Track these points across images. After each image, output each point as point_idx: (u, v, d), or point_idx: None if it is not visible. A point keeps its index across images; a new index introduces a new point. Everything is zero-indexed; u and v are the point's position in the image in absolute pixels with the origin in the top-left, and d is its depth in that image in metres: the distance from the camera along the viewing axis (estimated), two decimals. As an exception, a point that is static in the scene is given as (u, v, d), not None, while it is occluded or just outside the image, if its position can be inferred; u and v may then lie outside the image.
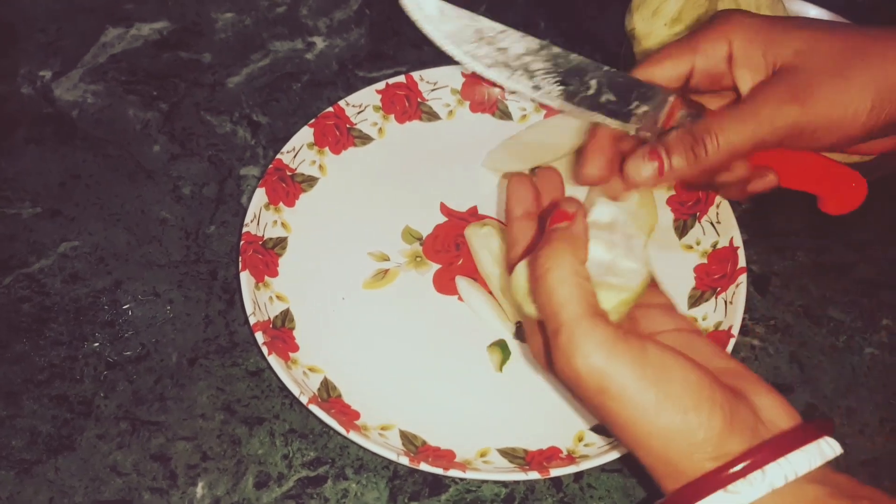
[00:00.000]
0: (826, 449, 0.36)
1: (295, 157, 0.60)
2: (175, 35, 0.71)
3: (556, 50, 0.45)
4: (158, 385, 0.52)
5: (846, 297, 0.57)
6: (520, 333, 0.54)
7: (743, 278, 0.53)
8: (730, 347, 0.51)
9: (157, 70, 0.69)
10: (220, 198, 0.61)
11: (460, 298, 0.56)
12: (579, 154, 0.47)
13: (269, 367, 0.51)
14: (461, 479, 0.49)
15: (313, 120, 0.61)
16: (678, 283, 0.55)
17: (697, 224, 0.58)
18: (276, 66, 0.69)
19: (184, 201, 0.61)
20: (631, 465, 0.50)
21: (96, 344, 0.54)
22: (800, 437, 0.36)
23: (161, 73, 0.68)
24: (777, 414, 0.37)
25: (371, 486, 0.49)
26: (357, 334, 0.54)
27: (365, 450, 0.49)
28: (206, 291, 0.56)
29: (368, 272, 0.56)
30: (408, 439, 0.49)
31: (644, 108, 0.45)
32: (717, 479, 0.35)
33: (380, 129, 0.63)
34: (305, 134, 0.60)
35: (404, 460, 0.47)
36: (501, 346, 0.54)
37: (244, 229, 0.55)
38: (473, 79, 0.64)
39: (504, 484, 0.49)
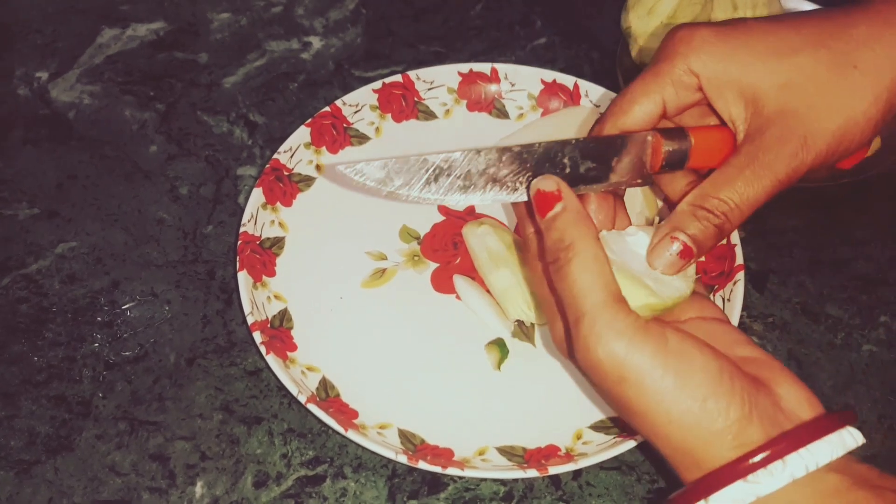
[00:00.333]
0: (848, 439, 0.36)
1: (292, 156, 0.60)
2: (171, 35, 0.71)
3: (516, 148, 0.42)
4: (157, 385, 0.52)
5: (844, 293, 0.58)
6: (518, 332, 0.54)
7: (741, 275, 0.53)
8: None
9: (153, 70, 0.69)
10: (217, 198, 0.61)
11: (458, 297, 0.56)
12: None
13: (268, 367, 0.51)
14: (460, 478, 0.49)
15: (310, 119, 0.61)
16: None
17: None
18: (272, 65, 0.69)
19: (181, 201, 0.61)
20: (629, 463, 0.50)
21: (94, 344, 0.54)
22: (821, 427, 0.36)
23: (157, 73, 0.68)
24: (799, 404, 0.37)
25: (370, 484, 0.49)
26: (355, 333, 0.54)
27: (363, 448, 0.49)
28: (204, 291, 0.56)
29: (366, 271, 0.56)
30: (406, 438, 0.49)
31: (626, 160, 0.43)
32: (737, 469, 0.35)
33: (377, 129, 0.63)
34: (302, 133, 0.60)
35: (403, 459, 0.47)
36: (499, 344, 0.54)
37: (241, 229, 0.55)
38: (470, 78, 0.64)
39: (503, 482, 0.49)
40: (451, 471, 0.46)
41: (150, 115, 0.66)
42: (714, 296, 0.54)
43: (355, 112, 0.62)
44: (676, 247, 0.40)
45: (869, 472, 0.36)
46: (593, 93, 0.63)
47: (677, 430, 0.36)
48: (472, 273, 0.56)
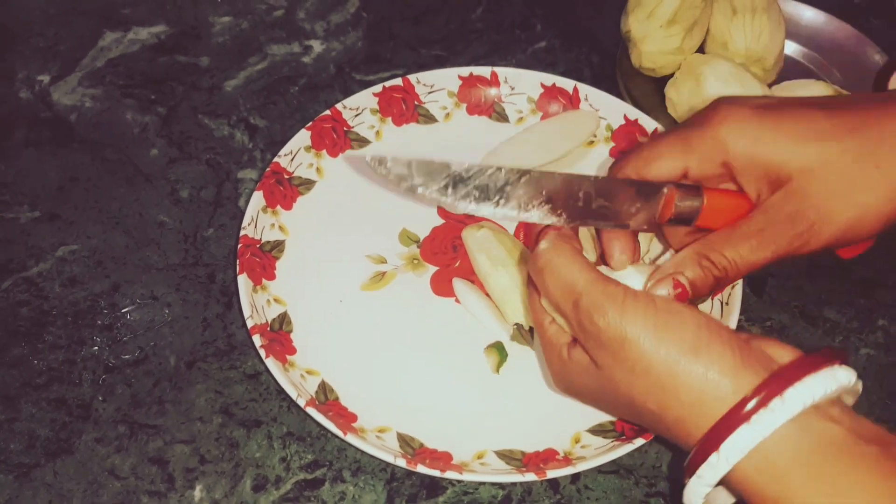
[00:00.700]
0: (841, 375, 0.37)
1: (292, 160, 0.60)
2: (172, 39, 0.71)
3: (536, 174, 0.44)
4: (156, 388, 0.52)
5: (842, 297, 0.58)
6: (517, 335, 0.54)
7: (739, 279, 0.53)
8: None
9: (154, 74, 0.69)
10: (217, 201, 0.61)
11: (457, 300, 0.56)
12: (602, 240, 0.48)
13: (267, 370, 0.51)
14: (458, 481, 0.49)
15: (310, 123, 0.61)
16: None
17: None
18: (273, 69, 0.69)
19: (182, 205, 0.61)
20: (627, 467, 0.50)
21: (95, 348, 0.54)
22: (813, 362, 0.37)
23: (158, 76, 0.69)
24: (789, 356, 0.39)
25: (368, 488, 0.49)
26: (355, 337, 0.54)
27: (362, 452, 0.49)
28: (204, 294, 0.57)
29: (366, 274, 0.57)
30: (405, 441, 0.49)
31: (638, 205, 0.45)
32: (738, 414, 0.36)
33: (377, 132, 0.63)
34: (303, 137, 0.61)
35: (401, 462, 0.47)
36: (498, 347, 0.54)
37: (242, 232, 0.56)
38: (470, 81, 0.64)
39: (501, 486, 0.49)
40: (450, 474, 0.47)
41: (152, 119, 0.66)
42: (713, 300, 0.54)
43: (356, 115, 0.63)
44: (675, 287, 0.42)
45: (876, 429, 0.36)
46: (593, 97, 0.63)
47: (680, 383, 0.38)
48: (471, 276, 0.57)
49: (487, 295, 0.55)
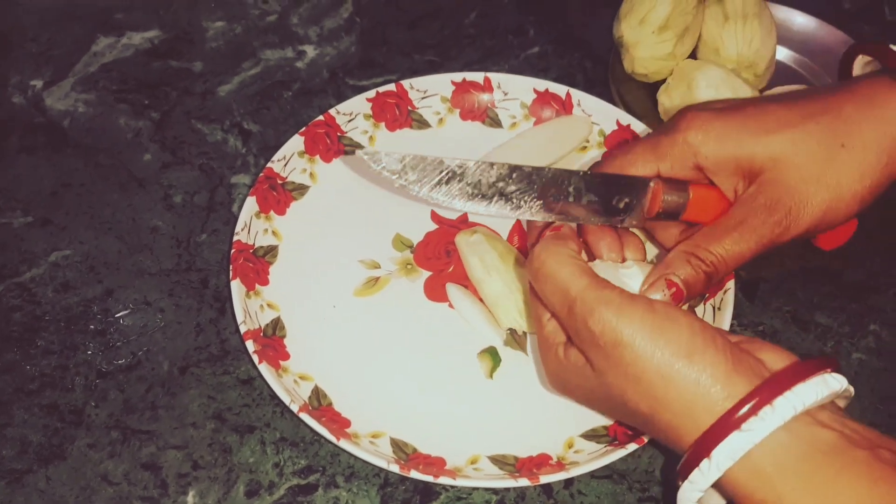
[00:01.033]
0: (832, 382, 0.37)
1: (286, 165, 0.60)
2: (166, 44, 0.71)
3: (527, 169, 0.45)
4: (149, 394, 0.52)
5: (833, 302, 0.58)
6: (510, 340, 0.54)
7: (731, 284, 0.54)
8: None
9: (148, 79, 0.69)
10: (211, 206, 0.61)
11: (451, 305, 0.56)
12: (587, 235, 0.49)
13: (260, 376, 0.51)
14: (452, 487, 0.49)
15: (304, 128, 0.61)
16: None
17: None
18: (266, 74, 0.69)
19: (175, 210, 0.61)
20: (620, 472, 0.50)
21: (87, 353, 0.54)
22: (803, 370, 0.37)
23: (152, 81, 0.69)
24: (782, 361, 0.39)
25: (362, 493, 0.49)
26: (348, 342, 0.54)
27: (356, 458, 0.49)
28: (198, 300, 0.56)
29: (359, 280, 0.57)
30: (398, 447, 0.49)
31: (626, 201, 0.46)
32: (730, 420, 0.36)
33: (370, 137, 0.63)
34: (296, 142, 0.61)
35: (395, 468, 0.47)
36: (492, 352, 0.54)
37: (235, 237, 0.56)
38: (463, 87, 0.64)
39: (494, 491, 0.49)
40: (444, 480, 0.47)
41: (145, 124, 0.66)
42: (705, 304, 0.54)
43: (349, 121, 0.63)
44: (669, 287, 0.43)
45: (867, 432, 0.37)
46: (585, 102, 0.63)
47: (672, 389, 0.38)
48: (464, 281, 0.57)
49: (481, 300, 0.56)
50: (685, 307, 0.46)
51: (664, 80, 0.64)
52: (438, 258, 0.58)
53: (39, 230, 0.60)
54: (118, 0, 0.74)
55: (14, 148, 0.64)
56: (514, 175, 0.44)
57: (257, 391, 0.53)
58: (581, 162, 0.63)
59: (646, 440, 0.48)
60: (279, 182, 0.59)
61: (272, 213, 0.59)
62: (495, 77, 0.64)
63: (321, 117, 0.62)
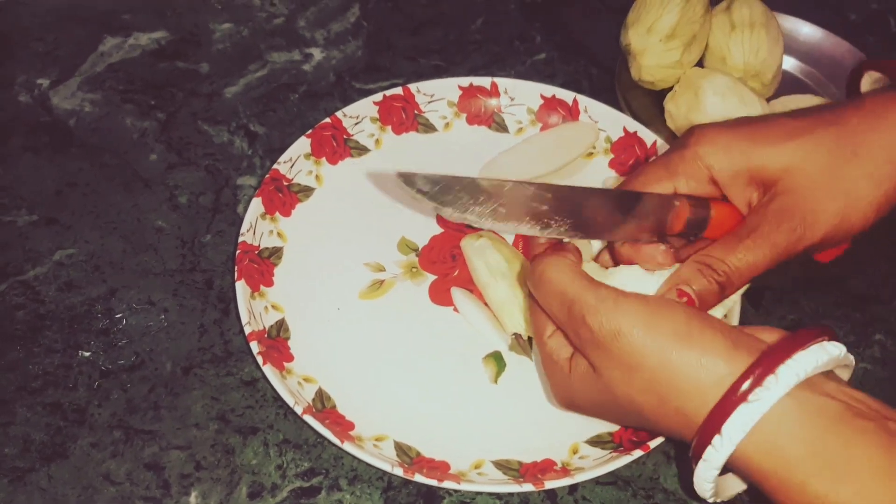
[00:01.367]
0: (831, 348, 0.38)
1: (292, 167, 0.60)
2: (173, 45, 0.71)
3: (562, 189, 0.45)
4: (152, 394, 0.52)
5: (838, 311, 0.58)
6: (515, 345, 0.54)
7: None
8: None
9: (154, 79, 0.69)
10: (216, 207, 0.61)
11: (456, 310, 0.56)
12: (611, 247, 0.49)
13: (264, 377, 0.51)
14: (455, 491, 0.49)
15: (310, 130, 0.61)
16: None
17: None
18: (273, 76, 0.70)
19: (180, 210, 0.61)
20: (625, 478, 0.50)
21: (90, 352, 0.54)
22: (801, 338, 0.38)
23: (158, 82, 0.69)
24: (778, 336, 0.40)
25: (365, 497, 0.49)
26: (352, 345, 0.54)
27: (359, 461, 0.49)
28: (202, 300, 0.56)
29: (364, 283, 0.57)
30: (402, 450, 0.49)
31: (651, 219, 0.46)
32: (736, 395, 0.36)
33: (377, 140, 0.63)
34: (302, 144, 0.61)
35: (398, 472, 0.47)
36: (497, 357, 0.54)
37: (240, 238, 0.56)
38: (470, 91, 0.64)
39: (498, 496, 0.49)
40: (447, 484, 0.46)
41: (151, 124, 0.66)
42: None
43: (355, 124, 0.63)
44: (680, 297, 0.43)
45: (874, 404, 0.37)
46: (592, 108, 0.63)
47: (676, 372, 0.38)
48: (470, 286, 0.57)
49: (486, 304, 0.55)
50: None
51: (671, 88, 0.64)
52: (444, 262, 0.58)
53: (44, 229, 0.59)
54: (125, 1, 0.74)
55: (20, 147, 0.64)
56: (549, 195, 0.44)
57: (261, 392, 0.52)
58: (587, 168, 0.63)
59: (651, 447, 0.47)
60: (285, 184, 0.59)
61: (278, 214, 0.58)
62: (502, 82, 0.65)
63: (328, 120, 0.62)
